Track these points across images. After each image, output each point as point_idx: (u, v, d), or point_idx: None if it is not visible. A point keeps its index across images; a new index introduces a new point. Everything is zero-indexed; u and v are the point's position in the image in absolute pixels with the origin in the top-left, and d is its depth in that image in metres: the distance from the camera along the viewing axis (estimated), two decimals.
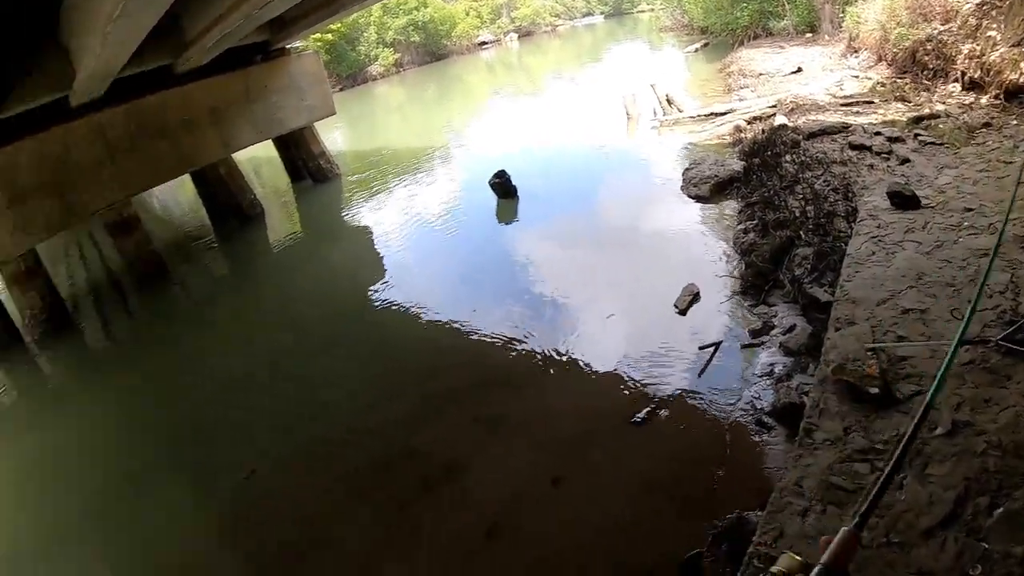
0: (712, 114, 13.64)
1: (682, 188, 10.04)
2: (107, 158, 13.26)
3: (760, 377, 5.31)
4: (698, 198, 9.56)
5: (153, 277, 14.41)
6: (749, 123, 12.33)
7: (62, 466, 8.66)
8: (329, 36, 53.49)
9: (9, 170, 12.06)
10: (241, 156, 17.69)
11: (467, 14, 65.28)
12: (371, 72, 59.02)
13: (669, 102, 14.61)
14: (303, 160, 18.96)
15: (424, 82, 48.01)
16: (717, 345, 5.85)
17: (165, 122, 14.18)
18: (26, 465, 9.07)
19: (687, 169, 10.33)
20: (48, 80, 11.31)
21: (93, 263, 20.54)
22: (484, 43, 64.83)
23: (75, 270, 20.38)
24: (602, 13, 71.23)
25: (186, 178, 17.55)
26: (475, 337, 7.55)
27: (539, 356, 6.68)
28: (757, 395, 5.11)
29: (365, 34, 58.82)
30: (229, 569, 5.35)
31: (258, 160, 27.89)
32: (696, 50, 25.51)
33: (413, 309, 8.95)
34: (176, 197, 26.65)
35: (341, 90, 55.43)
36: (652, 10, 50.84)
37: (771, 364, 5.44)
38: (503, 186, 11.93)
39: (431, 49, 62.74)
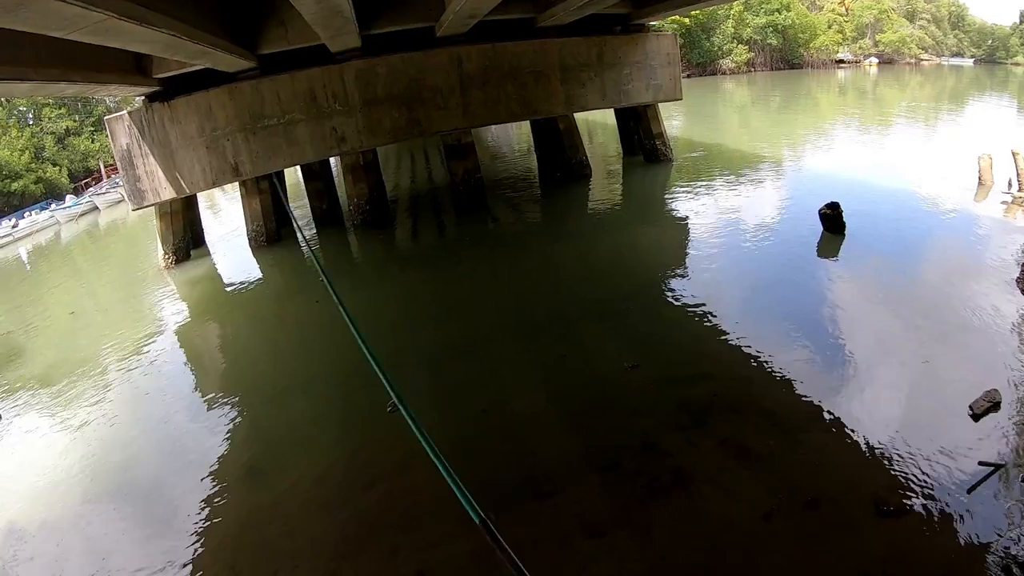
0: None
1: (1018, 280, 8.68)
2: (458, 88, 14.45)
3: None
4: None
5: (472, 204, 15.64)
6: None
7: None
8: (686, 20, 53.33)
9: (369, 77, 13.81)
10: (579, 117, 18.04)
11: (829, 27, 60.05)
12: (721, 65, 57.66)
13: None
14: (640, 137, 18.85)
15: (772, 87, 45.37)
16: (998, 468, 5.16)
17: (517, 69, 14.97)
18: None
19: None
20: (417, 11, 12.63)
21: (420, 177, 23.60)
22: (841, 61, 58.94)
23: (402, 178, 23.72)
24: (972, 57, 61.45)
25: (522, 126, 18.81)
26: (748, 356, 7.35)
27: (808, 400, 6.39)
28: (1017, 539, 4.48)
29: (723, 26, 57.30)
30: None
31: (593, 125, 29.02)
32: None
33: (694, 310, 8.80)
34: (511, 142, 29.22)
35: (688, 76, 54.42)
36: None
37: None
38: (834, 219, 10.85)
39: (786, 56, 58.79)
